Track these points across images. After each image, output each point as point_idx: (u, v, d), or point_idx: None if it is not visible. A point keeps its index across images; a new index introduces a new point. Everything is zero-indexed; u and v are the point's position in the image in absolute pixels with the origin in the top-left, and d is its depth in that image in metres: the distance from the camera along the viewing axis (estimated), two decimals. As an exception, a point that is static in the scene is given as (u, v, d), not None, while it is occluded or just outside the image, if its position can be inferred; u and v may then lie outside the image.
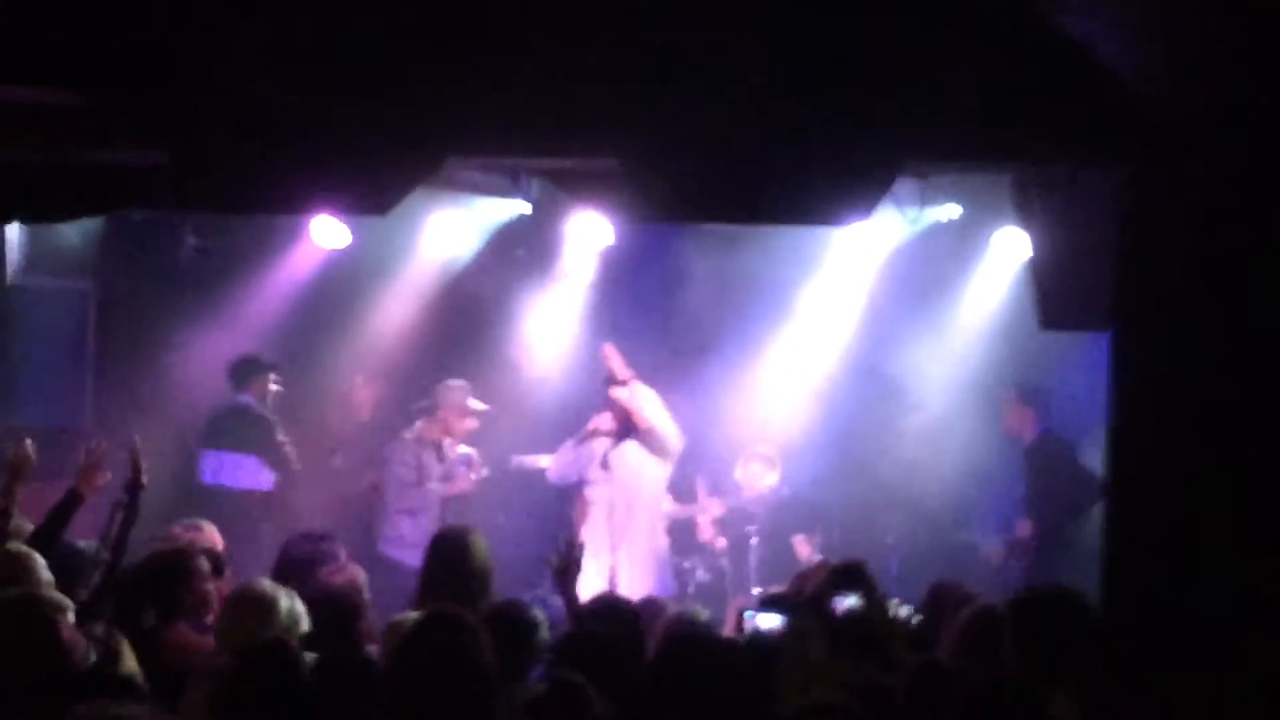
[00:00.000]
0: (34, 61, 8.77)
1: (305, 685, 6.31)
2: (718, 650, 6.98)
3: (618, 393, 12.15)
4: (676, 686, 6.60)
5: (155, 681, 6.92)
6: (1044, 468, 12.69)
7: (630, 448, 12.20)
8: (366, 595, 8.22)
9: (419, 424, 13.35)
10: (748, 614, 7.53)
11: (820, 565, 8.66)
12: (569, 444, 12.49)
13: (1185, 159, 7.92)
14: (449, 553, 8.43)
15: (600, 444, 12.27)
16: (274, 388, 13.28)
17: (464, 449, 13.47)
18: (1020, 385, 12.80)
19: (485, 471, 13.49)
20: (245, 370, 13.22)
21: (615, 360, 12.18)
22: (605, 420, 12.25)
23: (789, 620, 7.38)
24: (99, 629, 7.26)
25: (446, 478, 13.28)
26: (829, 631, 7.30)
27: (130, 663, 7.05)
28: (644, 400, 12.06)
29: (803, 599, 7.72)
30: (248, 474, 13.00)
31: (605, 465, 12.27)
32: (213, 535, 9.34)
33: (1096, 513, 11.74)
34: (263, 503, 13.01)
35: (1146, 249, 8.11)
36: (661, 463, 12.31)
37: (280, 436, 13.12)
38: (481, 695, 6.17)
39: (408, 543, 12.74)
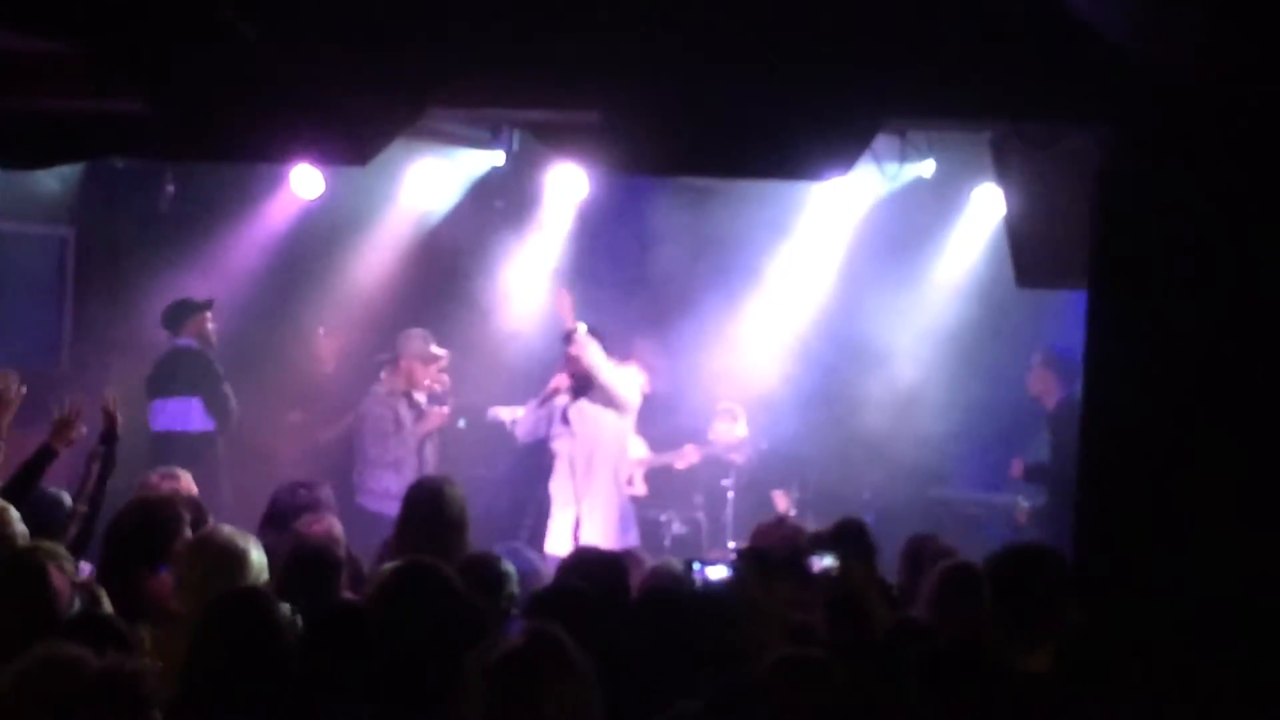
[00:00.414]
0: (15, 8, 8.73)
1: (284, 635, 6.32)
2: (696, 602, 7.02)
3: (570, 346, 12.16)
4: (658, 638, 6.64)
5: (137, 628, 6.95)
6: (1065, 432, 12.68)
7: (587, 402, 12.22)
8: (343, 545, 8.22)
9: (383, 375, 13.36)
10: (695, 565, 7.55)
11: (777, 521, 8.69)
12: (532, 403, 12.50)
13: (1164, 118, 7.96)
14: (424, 503, 8.44)
15: (560, 400, 12.28)
16: (211, 325, 13.09)
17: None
18: (1046, 351, 12.80)
19: (447, 406, 13.48)
20: (178, 313, 13.07)
21: (565, 308, 12.17)
22: (563, 378, 12.27)
23: (734, 571, 7.43)
24: (83, 578, 7.28)
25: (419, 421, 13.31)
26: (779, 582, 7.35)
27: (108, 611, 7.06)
28: (591, 350, 12.06)
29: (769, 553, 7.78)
30: (196, 416, 12.91)
31: (565, 420, 12.27)
32: (189, 484, 9.34)
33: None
34: (213, 444, 12.92)
35: (1123, 207, 8.15)
36: (619, 414, 12.30)
37: (219, 376, 12.99)
38: (458, 646, 6.18)
39: (392, 495, 12.78)
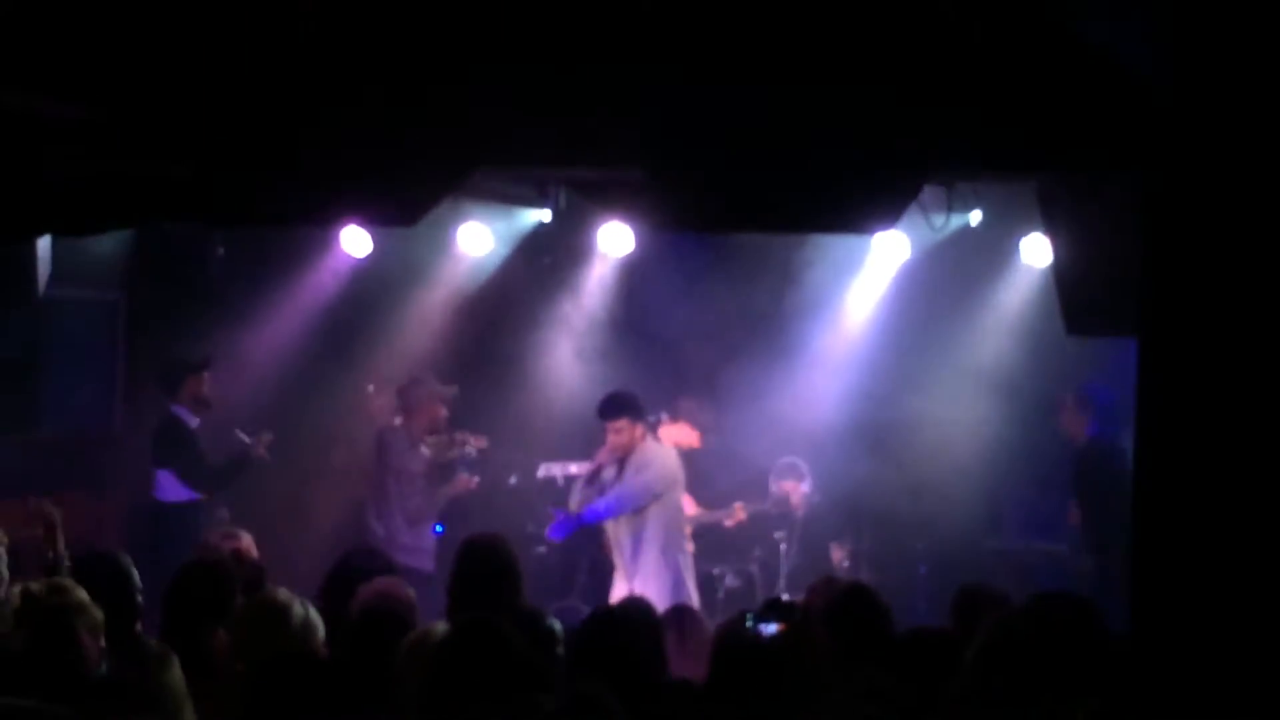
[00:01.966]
0: (62, 74, 8.79)
1: (331, 694, 6.33)
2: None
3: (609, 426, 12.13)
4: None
5: (203, 689, 6.99)
6: (1091, 471, 12.65)
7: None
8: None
9: (398, 422, 13.37)
10: (749, 619, 7.53)
11: (827, 580, 8.66)
12: (580, 481, 12.47)
13: (1210, 163, 7.91)
14: (479, 559, 8.42)
15: (607, 474, 12.24)
16: (205, 387, 13.01)
17: (470, 446, 13.47)
18: (1078, 390, 12.77)
19: (478, 478, 13.47)
20: (170, 376, 13.05)
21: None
22: (606, 453, 12.21)
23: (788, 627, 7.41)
24: (153, 641, 7.32)
25: (443, 478, 13.29)
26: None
27: (176, 674, 7.07)
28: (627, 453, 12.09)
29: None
30: (171, 487, 12.94)
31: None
32: (249, 544, 9.37)
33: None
34: (194, 513, 12.85)
35: (1172, 254, 8.08)
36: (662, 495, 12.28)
37: (189, 444, 12.94)
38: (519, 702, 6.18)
39: (424, 549, 12.83)
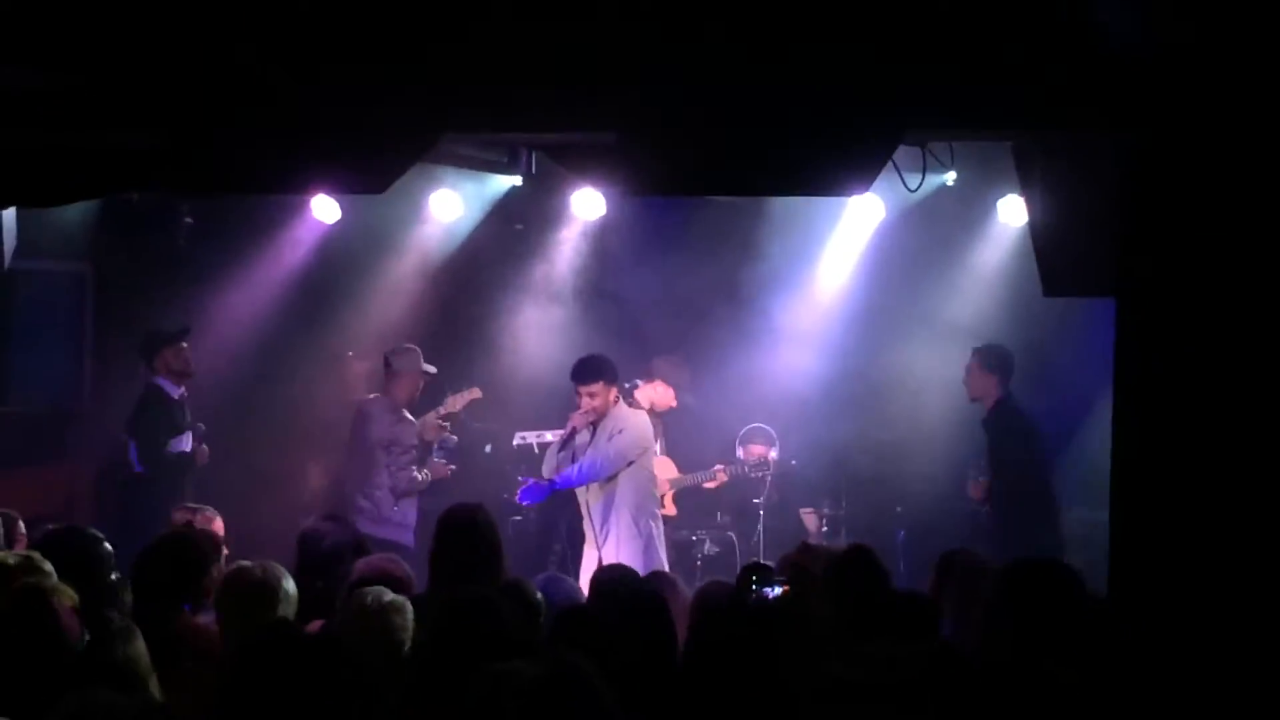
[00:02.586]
0: (29, 43, 8.70)
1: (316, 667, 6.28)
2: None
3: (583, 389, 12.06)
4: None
5: (169, 668, 6.91)
6: (1009, 437, 12.49)
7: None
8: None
9: (378, 397, 13.25)
10: (753, 583, 7.50)
11: (802, 548, 8.63)
12: (553, 447, 12.40)
13: (1189, 123, 7.86)
14: (460, 530, 8.34)
15: (581, 438, 12.17)
16: (184, 356, 12.87)
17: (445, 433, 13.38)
18: (984, 349, 12.59)
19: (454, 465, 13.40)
20: (147, 346, 12.92)
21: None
22: (580, 417, 12.12)
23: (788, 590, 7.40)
24: (115, 616, 7.24)
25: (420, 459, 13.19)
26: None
27: (140, 648, 7.01)
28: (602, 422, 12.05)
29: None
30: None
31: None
32: (214, 519, 9.31)
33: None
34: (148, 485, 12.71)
35: (1150, 213, 8.04)
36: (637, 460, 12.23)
37: (153, 421, 12.79)
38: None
39: (408, 525, 12.73)
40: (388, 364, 13.16)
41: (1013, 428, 12.44)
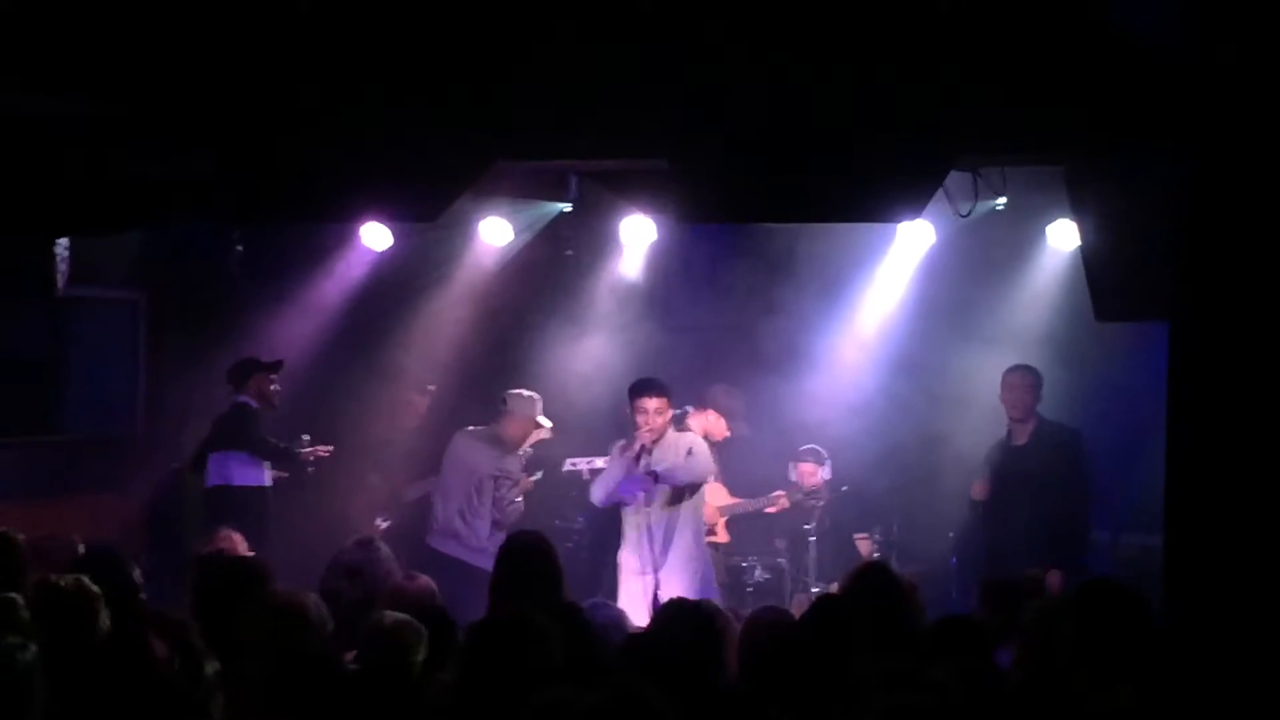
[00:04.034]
0: (81, 73, 8.76)
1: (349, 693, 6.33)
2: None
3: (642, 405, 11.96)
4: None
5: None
6: (1048, 455, 12.39)
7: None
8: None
9: (484, 429, 13.20)
10: None
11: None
12: (615, 466, 12.16)
13: (1238, 143, 7.83)
14: (521, 556, 8.47)
15: (645, 459, 12.03)
16: (274, 387, 13.10)
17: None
18: (1035, 370, 12.43)
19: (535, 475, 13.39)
20: (242, 371, 13.09)
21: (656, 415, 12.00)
22: (647, 435, 11.94)
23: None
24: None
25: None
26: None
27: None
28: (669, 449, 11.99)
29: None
30: (239, 470, 12.87)
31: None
32: (242, 545, 9.39)
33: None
34: (261, 498, 12.90)
35: (1204, 238, 8.01)
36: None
37: (256, 427, 12.97)
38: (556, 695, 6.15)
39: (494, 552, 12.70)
40: (503, 401, 13.16)
41: (1067, 446, 12.30)
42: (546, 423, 13.18)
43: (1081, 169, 9.43)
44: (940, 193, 9.33)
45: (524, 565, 8.37)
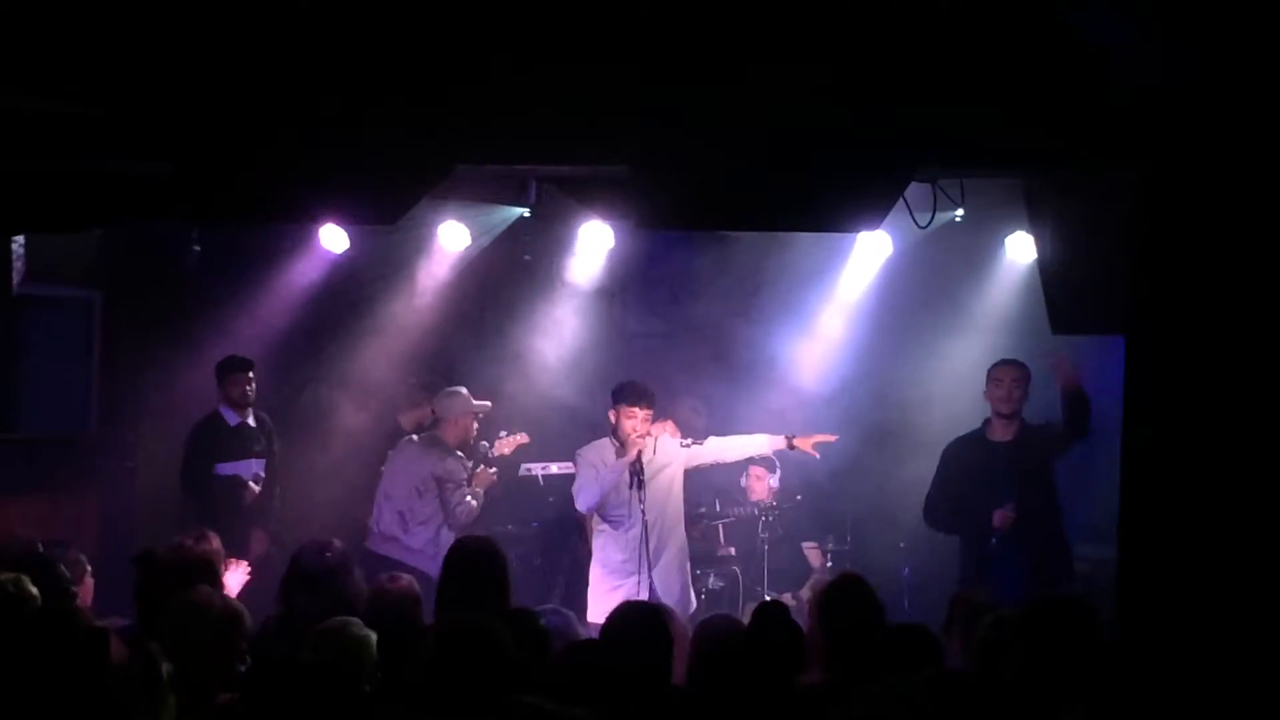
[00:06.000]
0: (40, 71, 8.72)
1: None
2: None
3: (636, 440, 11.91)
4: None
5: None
6: (1034, 454, 12.31)
7: (660, 478, 12.02)
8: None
9: (426, 435, 13.18)
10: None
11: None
12: (606, 476, 11.92)
13: (1192, 160, 7.88)
14: (469, 561, 8.46)
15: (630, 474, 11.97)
16: (249, 388, 13.22)
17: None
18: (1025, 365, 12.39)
19: (495, 468, 13.35)
20: (216, 373, 13.26)
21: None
22: (640, 441, 11.87)
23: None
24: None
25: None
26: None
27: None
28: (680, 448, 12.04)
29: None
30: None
31: (639, 486, 11.93)
32: (218, 546, 9.36)
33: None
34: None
35: (1160, 251, 8.06)
36: (677, 475, 12.17)
37: (227, 445, 13.15)
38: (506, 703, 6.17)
39: (429, 554, 12.63)
40: (433, 411, 13.16)
41: (1049, 446, 12.12)
42: (484, 404, 13.16)
43: (1040, 183, 9.48)
44: (900, 204, 9.34)
45: (472, 571, 8.36)
